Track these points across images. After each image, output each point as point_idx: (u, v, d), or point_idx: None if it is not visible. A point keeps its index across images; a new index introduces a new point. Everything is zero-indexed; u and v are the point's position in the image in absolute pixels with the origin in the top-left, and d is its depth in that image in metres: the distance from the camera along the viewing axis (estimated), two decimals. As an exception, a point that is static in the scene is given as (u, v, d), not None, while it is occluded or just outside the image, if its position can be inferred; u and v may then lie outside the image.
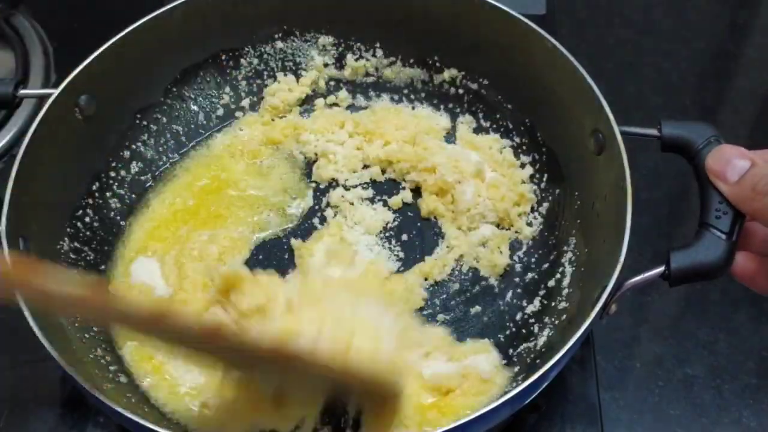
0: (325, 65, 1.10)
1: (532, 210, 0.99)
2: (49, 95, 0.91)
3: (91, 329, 0.87)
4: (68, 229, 0.93)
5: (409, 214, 1.01)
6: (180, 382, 0.86)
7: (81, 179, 0.97)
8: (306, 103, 1.10)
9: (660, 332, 0.97)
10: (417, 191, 1.02)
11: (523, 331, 0.90)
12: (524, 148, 1.03)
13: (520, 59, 0.99)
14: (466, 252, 0.96)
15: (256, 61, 1.10)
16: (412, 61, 1.08)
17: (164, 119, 1.05)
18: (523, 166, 1.02)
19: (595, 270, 0.85)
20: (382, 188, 1.03)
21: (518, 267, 0.96)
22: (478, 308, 0.93)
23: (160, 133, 1.05)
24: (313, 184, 1.03)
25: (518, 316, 0.92)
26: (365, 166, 1.04)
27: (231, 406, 0.82)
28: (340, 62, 1.10)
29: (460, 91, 1.07)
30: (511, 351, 0.89)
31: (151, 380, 0.87)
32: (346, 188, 1.02)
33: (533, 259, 0.96)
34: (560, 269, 0.93)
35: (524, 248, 0.97)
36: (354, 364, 0.73)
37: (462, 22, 1.02)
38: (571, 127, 0.94)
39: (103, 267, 0.95)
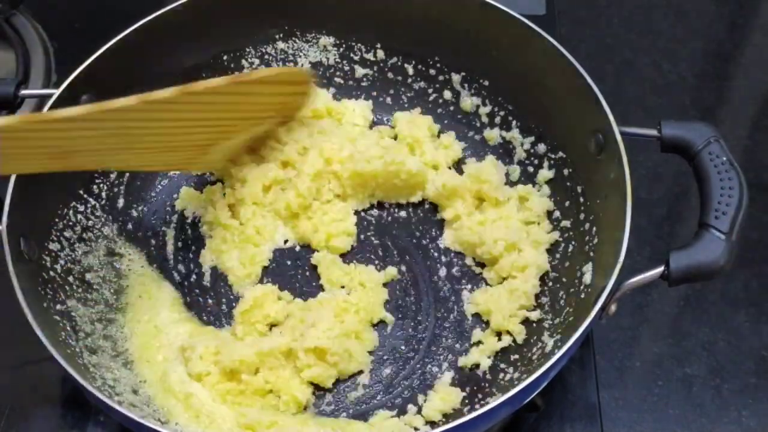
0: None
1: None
2: (50, 95, 0.91)
3: (93, 324, 0.88)
4: (70, 229, 0.94)
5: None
6: (181, 382, 0.86)
7: (82, 178, 0.97)
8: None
9: (660, 332, 0.97)
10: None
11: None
12: (524, 147, 1.03)
13: (520, 59, 0.99)
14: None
15: (257, 61, 1.10)
16: (413, 61, 1.09)
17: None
18: (522, 165, 1.02)
19: (595, 270, 0.85)
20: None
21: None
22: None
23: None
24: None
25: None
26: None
27: None
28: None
29: (461, 91, 1.08)
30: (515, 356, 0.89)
31: (153, 379, 0.87)
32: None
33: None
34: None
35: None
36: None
37: (462, 23, 1.02)
38: (571, 128, 0.94)
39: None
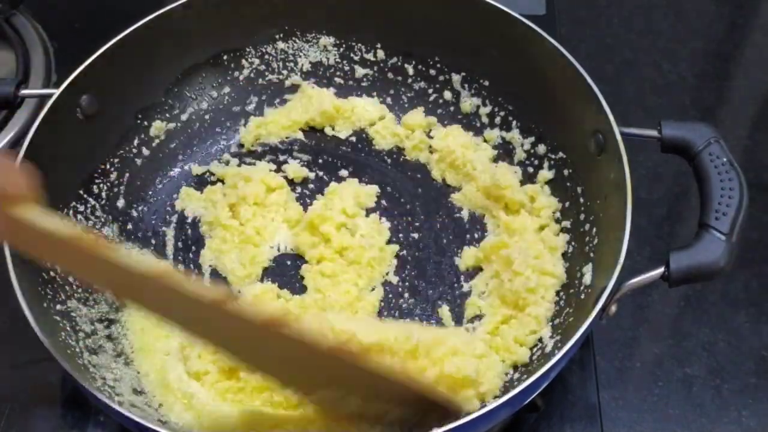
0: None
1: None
2: (50, 95, 0.91)
3: (93, 324, 0.87)
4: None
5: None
6: (180, 380, 0.86)
7: (82, 178, 0.97)
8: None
9: (660, 332, 0.97)
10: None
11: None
12: (524, 148, 1.03)
13: (520, 60, 0.99)
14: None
15: (257, 61, 1.10)
16: (413, 61, 1.09)
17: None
18: (522, 166, 1.02)
19: (595, 271, 0.85)
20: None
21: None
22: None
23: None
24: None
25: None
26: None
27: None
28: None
29: (461, 92, 1.08)
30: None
31: (152, 370, 0.87)
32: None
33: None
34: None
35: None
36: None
37: (462, 23, 1.02)
38: (571, 128, 0.94)
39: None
